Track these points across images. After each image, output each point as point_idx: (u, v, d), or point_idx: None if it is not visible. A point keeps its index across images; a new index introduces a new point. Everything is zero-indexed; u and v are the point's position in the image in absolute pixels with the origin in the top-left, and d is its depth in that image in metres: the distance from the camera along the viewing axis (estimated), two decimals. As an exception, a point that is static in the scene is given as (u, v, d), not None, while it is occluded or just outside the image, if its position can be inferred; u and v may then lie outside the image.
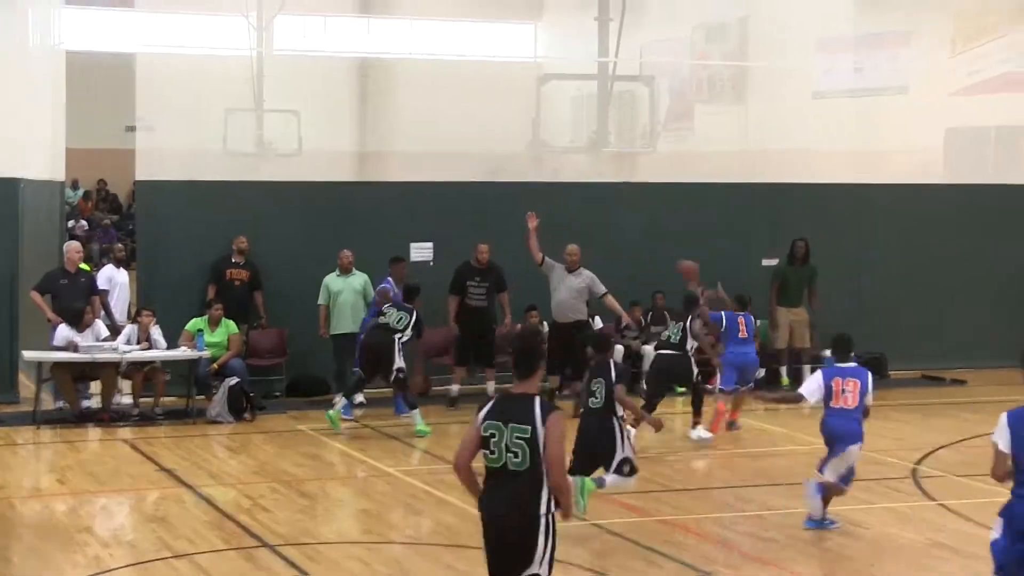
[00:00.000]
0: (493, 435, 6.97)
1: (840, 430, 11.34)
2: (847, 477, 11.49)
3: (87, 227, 30.85)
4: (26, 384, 17.54)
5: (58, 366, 16.32)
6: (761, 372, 16.98)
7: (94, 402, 16.95)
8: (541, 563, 6.97)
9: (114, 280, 18.43)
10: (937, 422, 16.94)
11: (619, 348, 18.65)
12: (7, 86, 17.80)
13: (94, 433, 16.14)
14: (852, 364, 11.49)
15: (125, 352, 16.44)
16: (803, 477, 11.78)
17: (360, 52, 20.81)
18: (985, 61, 22.26)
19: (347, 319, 17.53)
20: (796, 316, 19.45)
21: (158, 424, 16.44)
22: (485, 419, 7.03)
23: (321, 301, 17.71)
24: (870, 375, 11.46)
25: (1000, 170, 22.01)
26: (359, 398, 16.53)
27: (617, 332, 18.16)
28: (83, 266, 17.73)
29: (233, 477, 13.87)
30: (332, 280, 17.74)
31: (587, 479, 11.47)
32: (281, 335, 18.23)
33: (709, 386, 16.11)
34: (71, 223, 28.29)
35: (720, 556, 10.98)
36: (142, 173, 18.44)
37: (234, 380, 16.70)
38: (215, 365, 16.86)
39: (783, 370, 19.48)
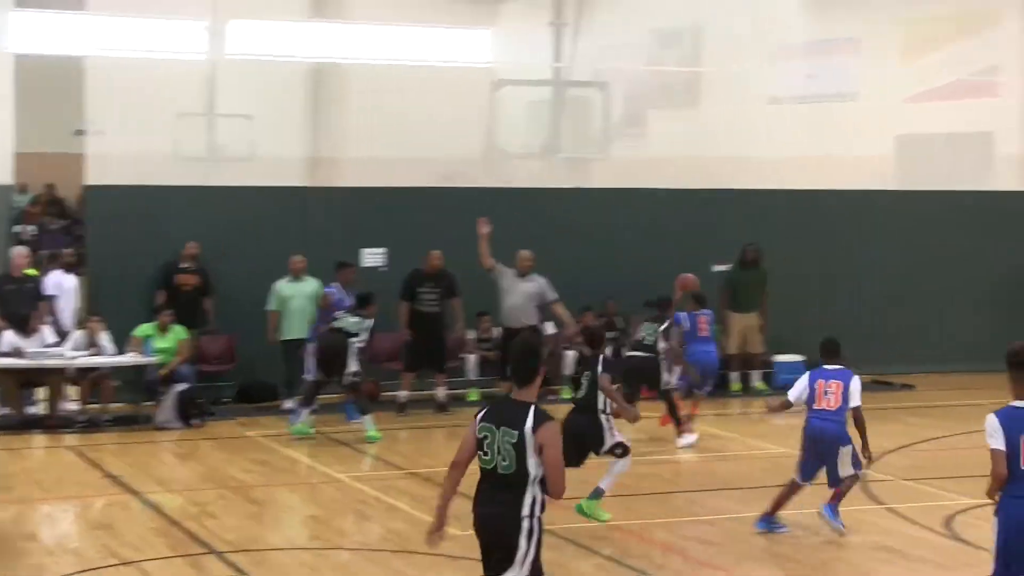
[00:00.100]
0: (486, 437, 7.08)
1: (820, 432, 11.39)
2: (856, 464, 11.47)
3: (35, 232, 30.56)
4: (-28, 390, 17.36)
5: (3, 372, 16.17)
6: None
7: (39, 408, 16.79)
8: (523, 564, 7.06)
9: (62, 286, 18.26)
10: (885, 426, 16.96)
11: (570, 354, 18.69)
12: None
13: (39, 440, 16.01)
14: (838, 367, 11.54)
15: (72, 358, 16.29)
16: (816, 507, 11.65)
17: (313, 57, 20.72)
18: (935, 69, 22.42)
19: (298, 325, 17.44)
20: (748, 321, 19.51)
21: (105, 430, 16.29)
22: (481, 421, 7.15)
23: (271, 307, 17.63)
24: (856, 378, 11.48)
25: (950, 177, 22.17)
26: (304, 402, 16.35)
27: (569, 338, 18.22)
28: (30, 271, 17.57)
29: (181, 483, 13.77)
30: (283, 286, 17.66)
31: (584, 503, 11.62)
32: (231, 341, 18.13)
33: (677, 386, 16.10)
34: (18, 228, 28.01)
35: (668, 561, 10.98)
36: (92, 177, 18.31)
37: (183, 386, 16.61)
38: (164, 371, 16.74)
39: (734, 375, 19.50)
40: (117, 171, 18.24)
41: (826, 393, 11.34)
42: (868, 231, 21.01)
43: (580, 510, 11.67)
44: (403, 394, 17.67)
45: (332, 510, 12.74)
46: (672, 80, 22.54)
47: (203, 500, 12.87)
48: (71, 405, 16.84)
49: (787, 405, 11.63)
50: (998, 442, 7.61)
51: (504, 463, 7.00)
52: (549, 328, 17.79)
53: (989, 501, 7.90)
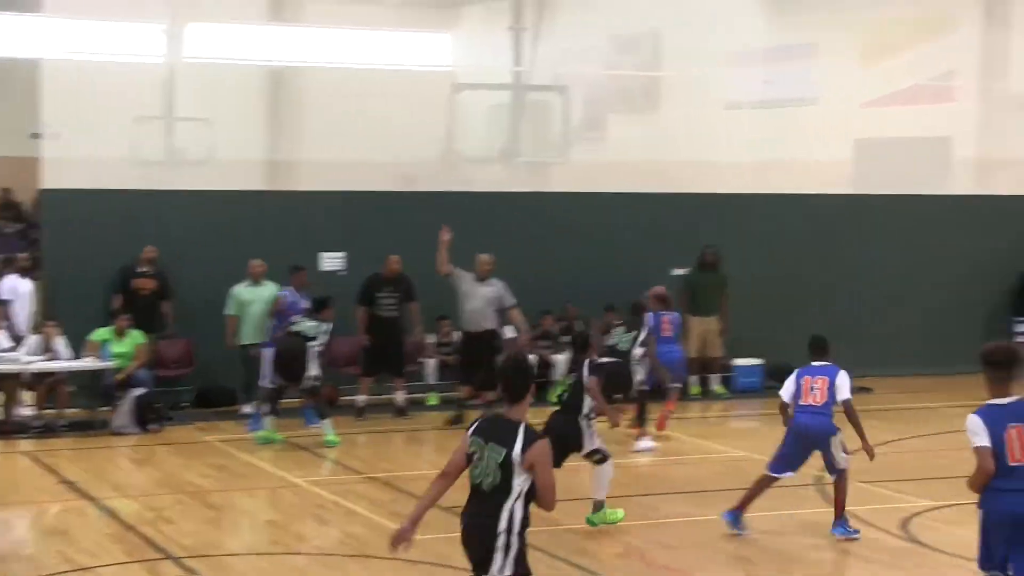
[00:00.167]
0: (475, 452, 7.13)
1: (806, 428, 11.50)
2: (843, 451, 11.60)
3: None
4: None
5: (-41, 377, 16.03)
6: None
7: (-6, 413, 16.67)
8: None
9: (17, 290, 18.16)
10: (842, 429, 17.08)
11: (530, 358, 18.69)
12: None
13: (-6, 445, 15.88)
14: (825, 363, 11.65)
15: (28, 363, 16.18)
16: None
17: (272, 61, 20.61)
18: (893, 74, 22.55)
19: (257, 330, 17.36)
20: (707, 325, 19.54)
21: (61, 436, 16.19)
22: (472, 435, 7.20)
23: (230, 311, 17.55)
24: (842, 372, 11.60)
25: (907, 181, 22.31)
26: (265, 408, 16.26)
27: (530, 342, 18.24)
28: (-16, 276, 17.45)
29: (137, 489, 13.69)
30: (241, 290, 17.59)
31: (592, 517, 11.81)
32: (189, 345, 18.04)
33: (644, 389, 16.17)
34: (-28, 233, 27.76)
35: (626, 564, 11.00)
36: (48, 181, 18.17)
37: (140, 391, 16.52)
38: (121, 375, 16.63)
39: (693, 379, 19.54)
40: (74, 175, 18.11)
41: (812, 389, 11.51)
42: (826, 235, 21.10)
43: (592, 523, 11.86)
44: (362, 398, 17.64)
45: (290, 515, 12.70)
46: (631, 85, 22.56)
47: (160, 505, 12.80)
48: (26, 410, 16.70)
49: (783, 407, 11.72)
50: (983, 439, 7.77)
51: (489, 480, 7.06)
52: (508, 332, 17.78)
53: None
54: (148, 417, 16.47)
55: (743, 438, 17.07)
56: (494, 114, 21.63)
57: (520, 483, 7.04)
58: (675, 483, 13.98)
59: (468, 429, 7.27)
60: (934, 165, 22.89)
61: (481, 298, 17.03)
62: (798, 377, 11.65)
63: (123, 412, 16.37)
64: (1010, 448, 7.75)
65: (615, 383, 15.42)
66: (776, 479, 11.67)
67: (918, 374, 20.41)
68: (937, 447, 15.49)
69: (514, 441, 7.02)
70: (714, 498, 13.39)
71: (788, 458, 11.59)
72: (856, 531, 11.66)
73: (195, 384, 18.06)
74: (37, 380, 16.35)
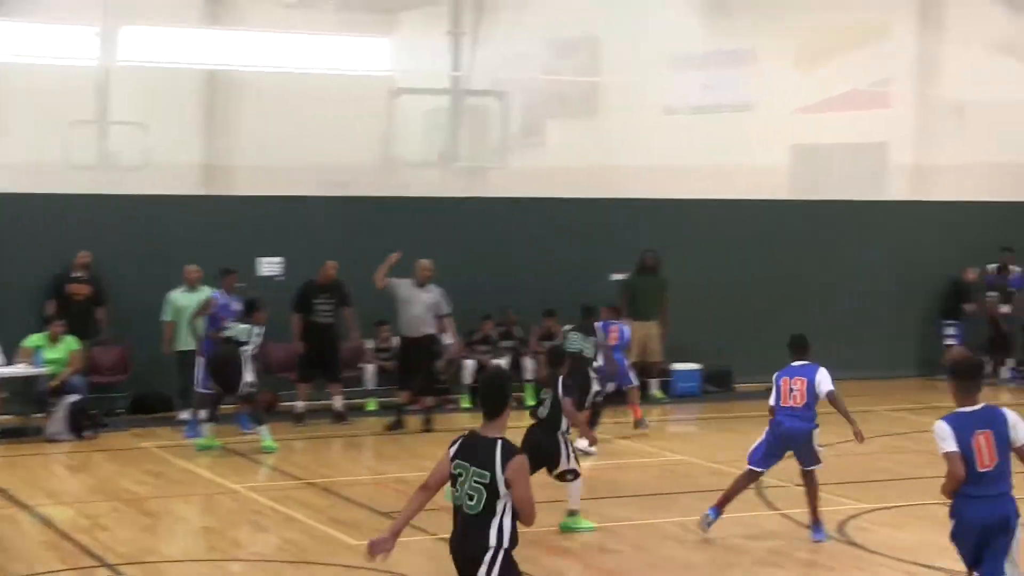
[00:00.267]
0: (460, 474, 7.11)
1: (788, 431, 11.56)
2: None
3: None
4: None
5: None
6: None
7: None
8: None
9: (-51, 295, 17.87)
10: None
11: (469, 363, 18.67)
12: None
13: (-75, 453, 15.62)
14: (804, 363, 11.71)
15: (-40, 369, 15.96)
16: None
17: (208, 64, 20.44)
18: (829, 80, 22.72)
19: (189, 333, 17.19)
20: (647, 330, 19.55)
21: (-7, 443, 15.97)
22: (455, 457, 7.16)
23: (166, 317, 17.39)
24: (821, 369, 11.65)
25: (844, 186, 22.48)
26: (202, 414, 16.11)
27: (463, 349, 18.31)
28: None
29: (72, 496, 13.53)
30: (177, 296, 17.43)
31: (565, 522, 11.92)
32: (124, 351, 17.86)
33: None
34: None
35: (567, 569, 10.97)
36: (-20, 185, 17.93)
37: (74, 397, 16.34)
38: (54, 382, 16.43)
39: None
40: (7, 179, 17.94)
41: (791, 391, 11.58)
42: (764, 240, 21.21)
43: (566, 528, 11.93)
44: (300, 404, 17.54)
45: (227, 521, 12.59)
46: (570, 90, 22.59)
47: (95, 512, 12.65)
48: (-42, 418, 16.48)
49: (772, 411, 11.74)
50: (951, 445, 7.85)
51: (470, 503, 7.05)
52: (447, 338, 17.73)
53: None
54: (83, 424, 16.29)
55: (682, 442, 17.13)
56: (432, 119, 21.57)
57: (503, 502, 7.06)
58: (615, 487, 13.98)
59: (450, 448, 7.21)
60: (870, 171, 23.09)
61: (421, 304, 16.97)
62: (777, 379, 11.71)
63: (57, 419, 16.17)
64: (979, 454, 7.83)
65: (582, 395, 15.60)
66: (760, 473, 11.79)
67: (854, 378, 20.53)
68: (876, 450, 15.59)
69: (494, 461, 7.02)
70: (654, 502, 13.44)
71: (769, 456, 11.71)
72: (824, 534, 11.73)
73: (130, 390, 17.89)
74: (-32, 387, 16.12)
